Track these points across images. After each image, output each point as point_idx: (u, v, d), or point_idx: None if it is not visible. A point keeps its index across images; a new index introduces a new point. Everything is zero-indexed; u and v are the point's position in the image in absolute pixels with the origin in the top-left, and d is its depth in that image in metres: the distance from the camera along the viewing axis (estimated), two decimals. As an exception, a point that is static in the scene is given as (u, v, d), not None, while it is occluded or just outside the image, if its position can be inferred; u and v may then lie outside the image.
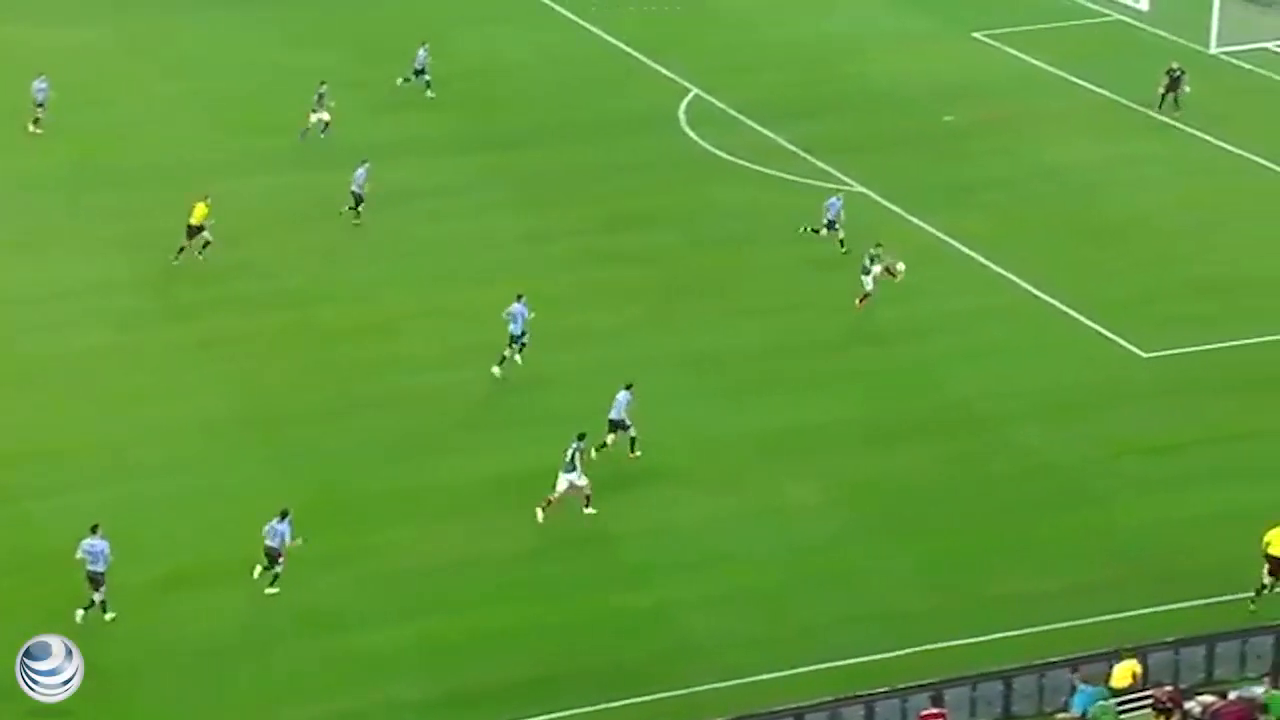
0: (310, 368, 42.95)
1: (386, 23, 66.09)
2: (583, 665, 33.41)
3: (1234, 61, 60.98)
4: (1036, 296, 46.35)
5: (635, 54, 63.52)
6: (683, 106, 59.13)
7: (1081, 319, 45.12)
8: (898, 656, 33.25)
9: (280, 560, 34.46)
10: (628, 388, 39.19)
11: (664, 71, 62.01)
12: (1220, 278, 47.14)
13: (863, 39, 65.18)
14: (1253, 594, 34.34)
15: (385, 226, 49.77)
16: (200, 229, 47.18)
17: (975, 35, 65.28)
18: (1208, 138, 56.07)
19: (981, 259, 48.30)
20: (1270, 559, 34.17)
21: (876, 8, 68.52)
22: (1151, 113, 57.81)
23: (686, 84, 60.74)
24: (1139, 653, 31.55)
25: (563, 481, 36.95)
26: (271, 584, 34.74)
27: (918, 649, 33.53)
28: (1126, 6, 67.74)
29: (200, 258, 47.28)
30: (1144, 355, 43.52)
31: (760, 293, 46.67)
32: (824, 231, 48.27)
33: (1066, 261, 48.22)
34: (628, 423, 38.86)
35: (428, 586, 35.27)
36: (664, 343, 44.28)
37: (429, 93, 58.49)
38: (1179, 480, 38.76)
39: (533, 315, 42.36)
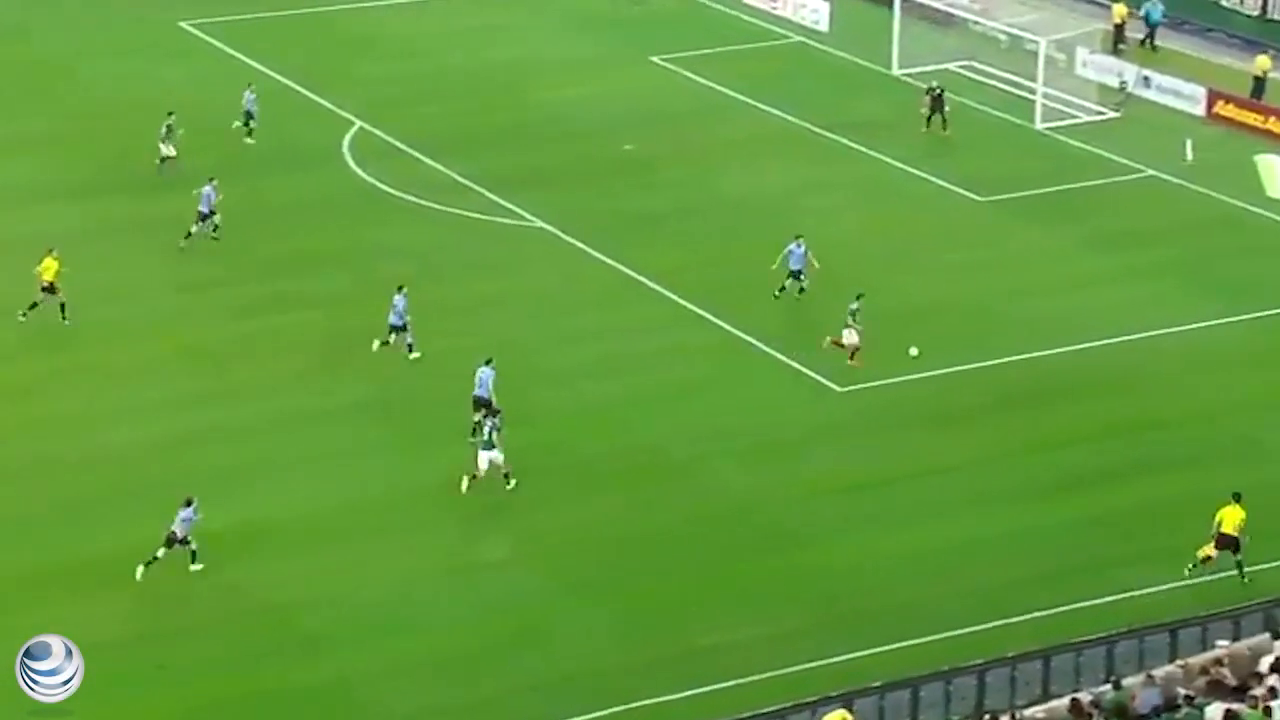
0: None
1: (16, 62, 64.49)
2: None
3: (917, 84, 62.80)
4: (729, 332, 46.98)
5: (294, 86, 62.92)
6: (346, 141, 58.70)
7: (775, 354, 45.84)
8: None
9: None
10: (488, 363, 41.37)
11: (325, 104, 61.56)
12: (911, 306, 48.32)
13: (536, 66, 65.51)
14: (1191, 565, 36.52)
15: (13, 277, 47.74)
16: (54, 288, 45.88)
17: (654, 59, 66.09)
18: (893, 161, 57.53)
19: (671, 294, 48.81)
20: (1222, 536, 36.15)
21: (548, 33, 68.96)
22: (832, 137, 59.04)
23: (350, 117, 60.35)
24: (845, 700, 32.05)
25: (483, 459, 39.08)
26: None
27: (613, 710, 33.59)
28: (806, 28, 69.32)
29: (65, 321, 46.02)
30: (839, 390, 44.38)
31: (437, 336, 46.46)
32: (789, 283, 47.94)
33: (758, 295, 48.95)
34: (494, 401, 40.96)
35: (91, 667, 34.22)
36: (336, 393, 43.85)
37: (249, 139, 57.61)
38: (877, 518, 39.56)
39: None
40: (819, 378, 44.79)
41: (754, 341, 46.45)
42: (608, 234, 51.88)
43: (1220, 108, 61.03)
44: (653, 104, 62.23)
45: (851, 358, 44.94)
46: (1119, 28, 66.18)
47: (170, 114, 55.53)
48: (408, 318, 45.16)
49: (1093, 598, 36.68)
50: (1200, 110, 61.42)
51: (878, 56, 65.07)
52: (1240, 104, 60.88)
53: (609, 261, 50.51)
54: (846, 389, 44.36)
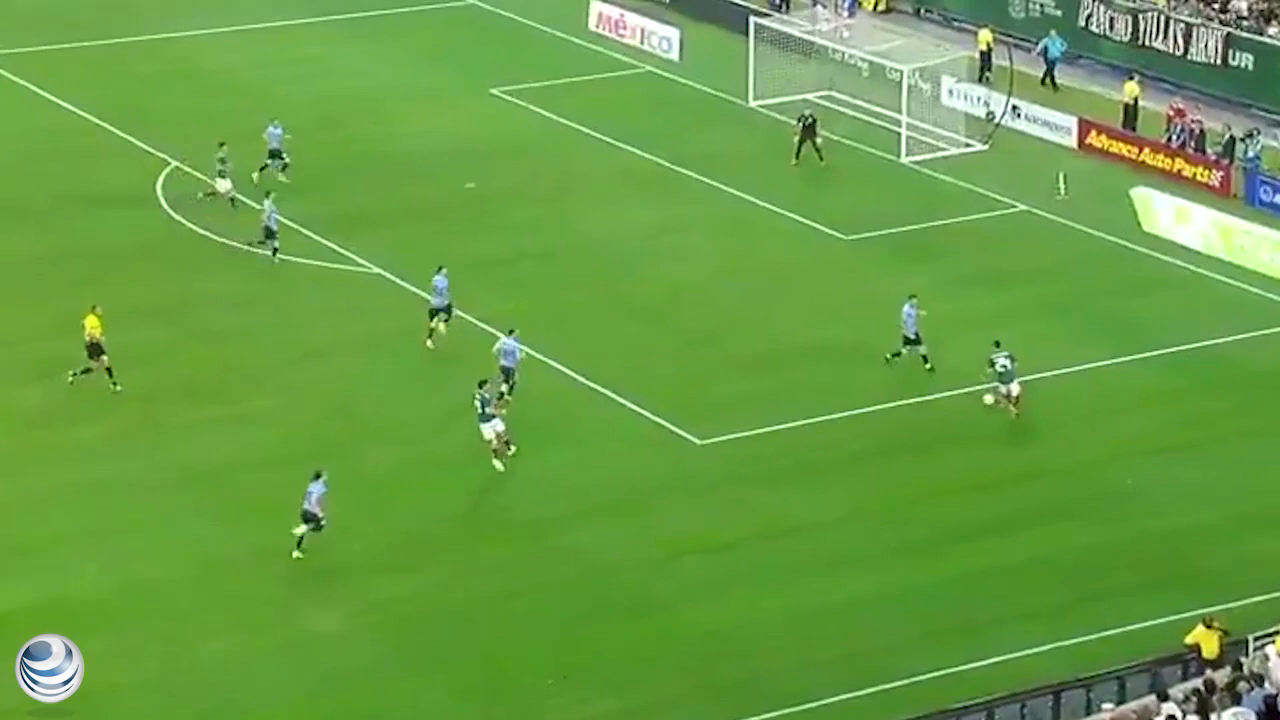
0: None
1: None
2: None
3: (775, 115, 62.72)
4: (581, 383, 46.42)
5: (100, 123, 61.80)
6: (160, 182, 57.62)
7: (631, 406, 45.34)
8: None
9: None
10: (511, 333, 45.05)
11: (135, 142, 60.45)
12: (773, 352, 48.05)
13: (370, 99, 64.87)
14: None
15: None
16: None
17: (495, 92, 65.61)
18: (753, 198, 57.33)
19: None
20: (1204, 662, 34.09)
21: (382, 65, 68.39)
22: (686, 173, 58.83)
23: (164, 156, 59.29)
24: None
25: (488, 431, 41.96)
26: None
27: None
28: (656, 57, 69.16)
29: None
30: (699, 443, 43.95)
31: (263, 394, 45.57)
32: (905, 351, 46.64)
33: (611, 342, 48.50)
34: (516, 373, 44.77)
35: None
36: (154, 457, 42.88)
37: (282, 176, 56.51)
38: (743, 579, 39.11)
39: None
40: (678, 430, 44.32)
41: (609, 392, 45.91)
42: (449, 279, 51.10)
43: (1093, 138, 61.48)
44: (495, 139, 61.74)
45: (1015, 405, 44.53)
46: (985, 55, 66.55)
47: (222, 144, 55.15)
48: (450, 297, 47.42)
49: (972, 660, 36.41)
50: (1072, 141, 61.84)
51: (733, 87, 65.02)
52: (1112, 134, 61.37)
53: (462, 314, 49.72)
54: (706, 441, 43.92)
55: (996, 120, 62.97)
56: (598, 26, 72.05)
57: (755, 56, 64.80)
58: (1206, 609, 35.51)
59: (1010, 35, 68.11)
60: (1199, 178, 58.56)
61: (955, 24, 71.58)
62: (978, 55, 66.57)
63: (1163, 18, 65.24)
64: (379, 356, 47.66)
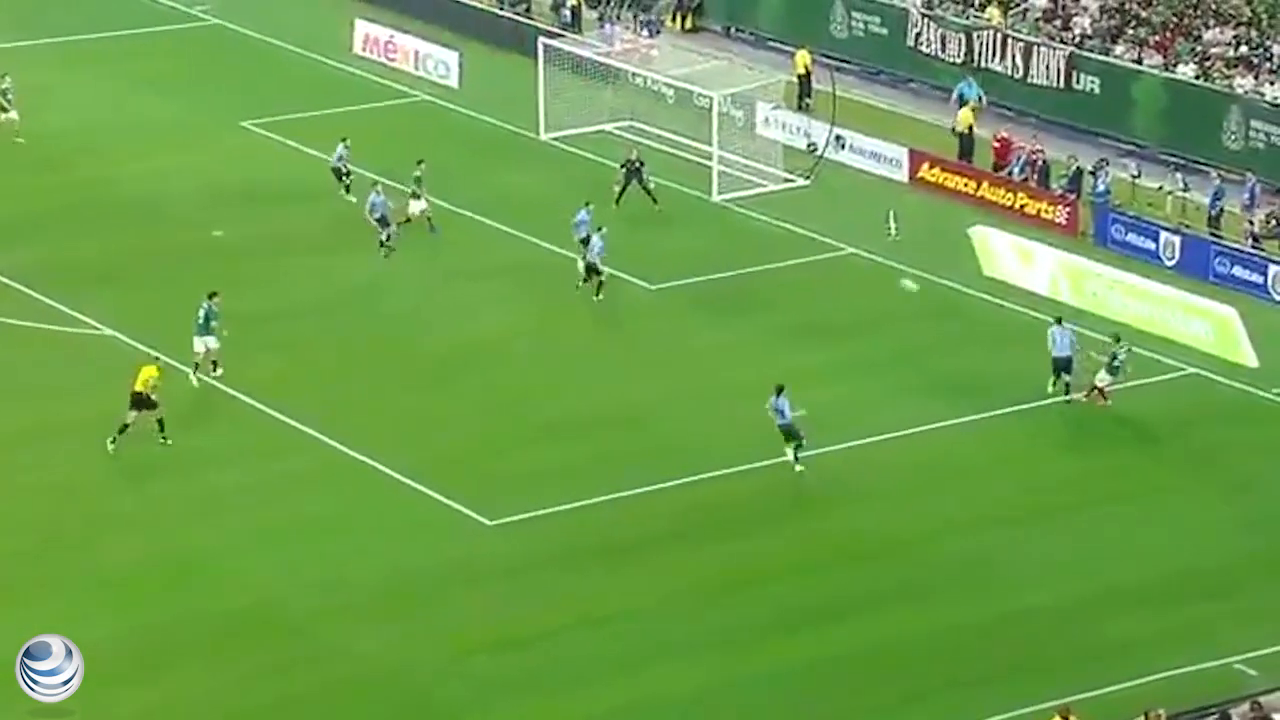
0: None
1: None
2: None
3: (570, 149, 63.24)
4: (350, 456, 46.44)
5: None
6: None
7: (409, 482, 45.46)
8: None
9: None
10: (586, 205, 55.02)
11: None
12: (571, 419, 48.40)
13: (99, 134, 64.56)
14: None
15: None
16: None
17: (246, 125, 65.57)
18: (545, 244, 57.49)
19: (273, 411, 48.16)
20: None
21: (114, 95, 68.12)
22: (472, 216, 59.16)
23: None
24: None
25: (199, 344, 45.78)
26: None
27: None
28: (433, 83, 69.48)
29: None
30: (489, 523, 44.16)
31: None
32: (1060, 379, 49.61)
33: (385, 409, 48.57)
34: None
35: None
36: None
37: (349, 196, 58.53)
38: (541, 679, 39.27)
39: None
40: (464, 509, 44.51)
41: (382, 467, 46.02)
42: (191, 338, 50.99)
43: (925, 172, 62.64)
44: (245, 179, 61.68)
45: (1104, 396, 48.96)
46: (804, 78, 67.60)
47: (420, 161, 57.98)
48: (604, 255, 53.63)
49: (807, 764, 36.97)
50: (903, 175, 62.96)
51: (521, 117, 65.48)
52: (947, 166, 62.55)
53: (189, 371, 49.60)
54: (497, 521, 44.16)
55: (819, 152, 63.93)
56: (364, 49, 72.27)
57: (545, 83, 65.30)
58: (1063, 699, 36.25)
59: (831, 56, 69.24)
60: (1043, 214, 59.87)
61: (769, 44, 72.65)
62: (795, 79, 67.60)
63: (999, 36, 66.67)
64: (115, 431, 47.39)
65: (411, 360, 51.32)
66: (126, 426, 46.01)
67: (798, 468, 45.91)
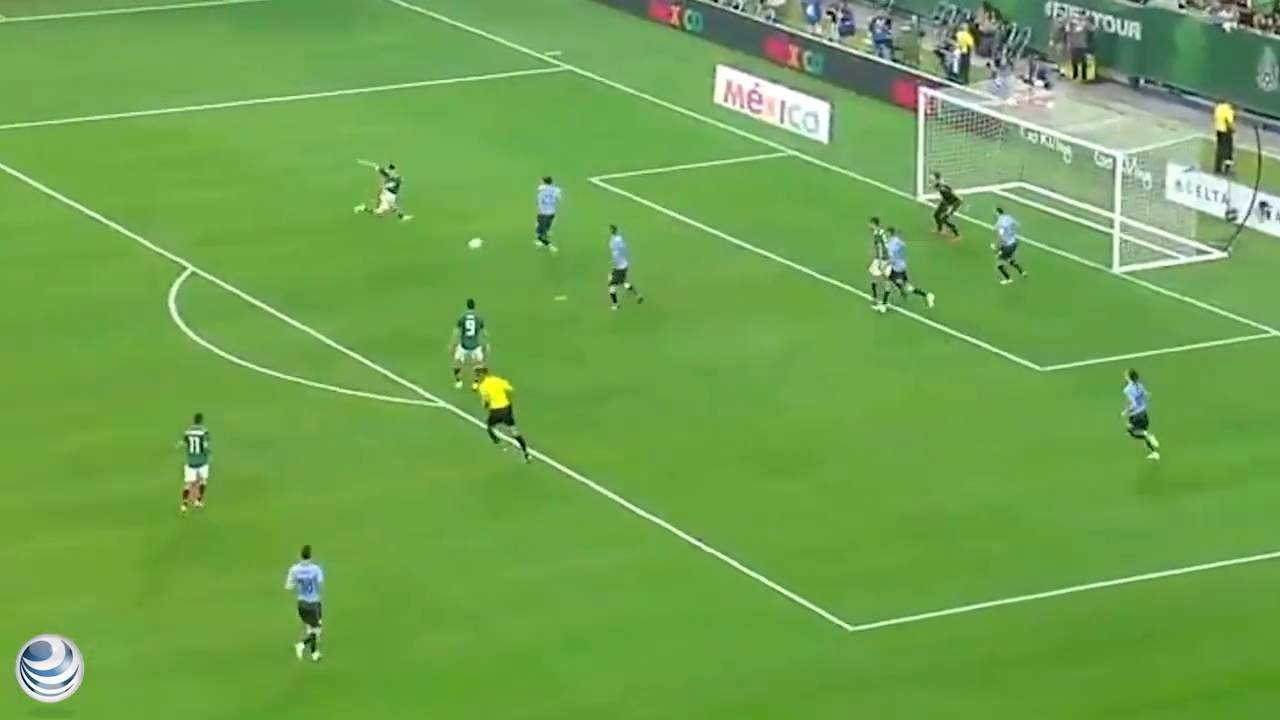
0: None
1: None
2: None
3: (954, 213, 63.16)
4: (697, 549, 46.62)
5: (107, 222, 63.04)
6: (174, 292, 58.62)
7: (761, 579, 45.45)
8: None
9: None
10: (614, 230, 57.00)
11: (140, 240, 61.61)
12: (940, 514, 48.16)
13: (429, 188, 65.36)
14: None
15: None
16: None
17: (594, 180, 66.32)
18: (917, 316, 57.56)
19: (616, 497, 48.57)
20: None
21: (442, 146, 69.41)
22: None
23: (178, 259, 60.32)
24: None
25: (190, 475, 46.77)
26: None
27: None
28: (801, 138, 69.77)
29: None
30: (850, 629, 44.03)
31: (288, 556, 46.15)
32: None
33: (735, 497, 48.69)
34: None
35: None
36: (154, 643, 43.28)
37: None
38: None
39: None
40: (822, 612, 44.19)
41: (731, 561, 45.98)
42: (537, 414, 51.59)
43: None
44: (590, 242, 62.23)
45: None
46: (1224, 136, 66.75)
47: (391, 165, 62.38)
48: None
49: None
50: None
51: (896, 176, 65.53)
52: None
53: (545, 460, 50.06)
54: (859, 628, 43.86)
55: (1239, 220, 63.13)
56: (725, 99, 72.87)
57: (925, 138, 65.28)
58: None
59: (1257, 112, 68.27)
60: None
61: (1185, 98, 71.83)
62: (1215, 137, 66.83)
63: None
64: (443, 511, 47.86)
65: (758, 441, 51.38)
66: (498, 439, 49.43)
67: (1153, 455, 47.52)
